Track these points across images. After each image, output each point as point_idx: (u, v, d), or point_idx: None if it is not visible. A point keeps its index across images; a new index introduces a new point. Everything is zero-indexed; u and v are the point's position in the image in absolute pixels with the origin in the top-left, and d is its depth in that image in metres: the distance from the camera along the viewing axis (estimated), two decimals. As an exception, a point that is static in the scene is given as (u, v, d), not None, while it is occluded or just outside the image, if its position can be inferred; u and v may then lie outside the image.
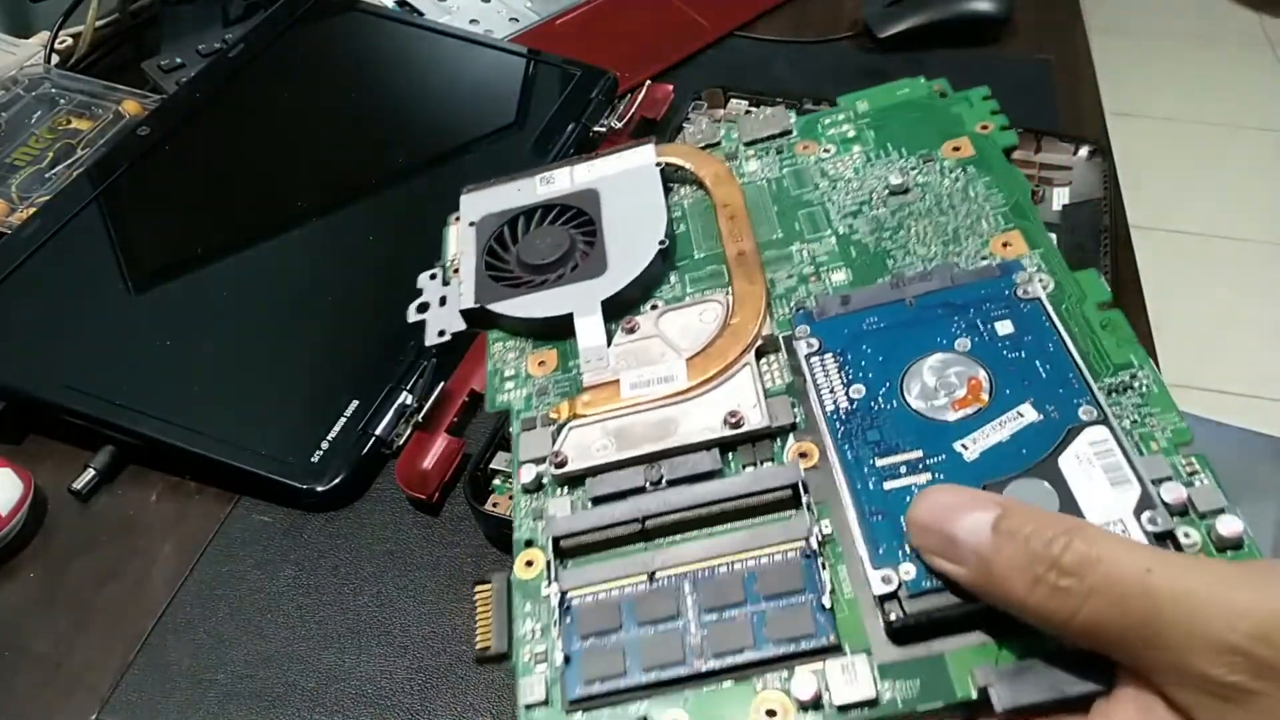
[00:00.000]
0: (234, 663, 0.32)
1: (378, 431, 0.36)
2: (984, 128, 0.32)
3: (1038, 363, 0.24)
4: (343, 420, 0.36)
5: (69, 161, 0.47)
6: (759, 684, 0.21)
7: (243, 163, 0.47)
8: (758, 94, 0.51)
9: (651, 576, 0.23)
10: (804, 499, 0.23)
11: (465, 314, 0.30)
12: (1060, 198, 0.46)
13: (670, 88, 0.53)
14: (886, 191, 0.30)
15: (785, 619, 0.21)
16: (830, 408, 0.24)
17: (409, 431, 0.37)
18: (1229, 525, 0.21)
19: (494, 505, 0.34)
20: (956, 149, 0.31)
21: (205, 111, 0.48)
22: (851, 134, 0.33)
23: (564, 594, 0.23)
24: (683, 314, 0.28)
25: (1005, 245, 0.28)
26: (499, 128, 0.49)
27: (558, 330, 0.29)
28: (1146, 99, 1.59)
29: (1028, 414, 0.23)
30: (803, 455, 0.24)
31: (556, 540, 0.24)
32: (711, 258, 0.30)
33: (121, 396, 0.36)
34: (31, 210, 0.44)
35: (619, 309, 0.29)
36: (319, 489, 0.35)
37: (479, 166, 0.47)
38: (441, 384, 0.38)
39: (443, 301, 0.30)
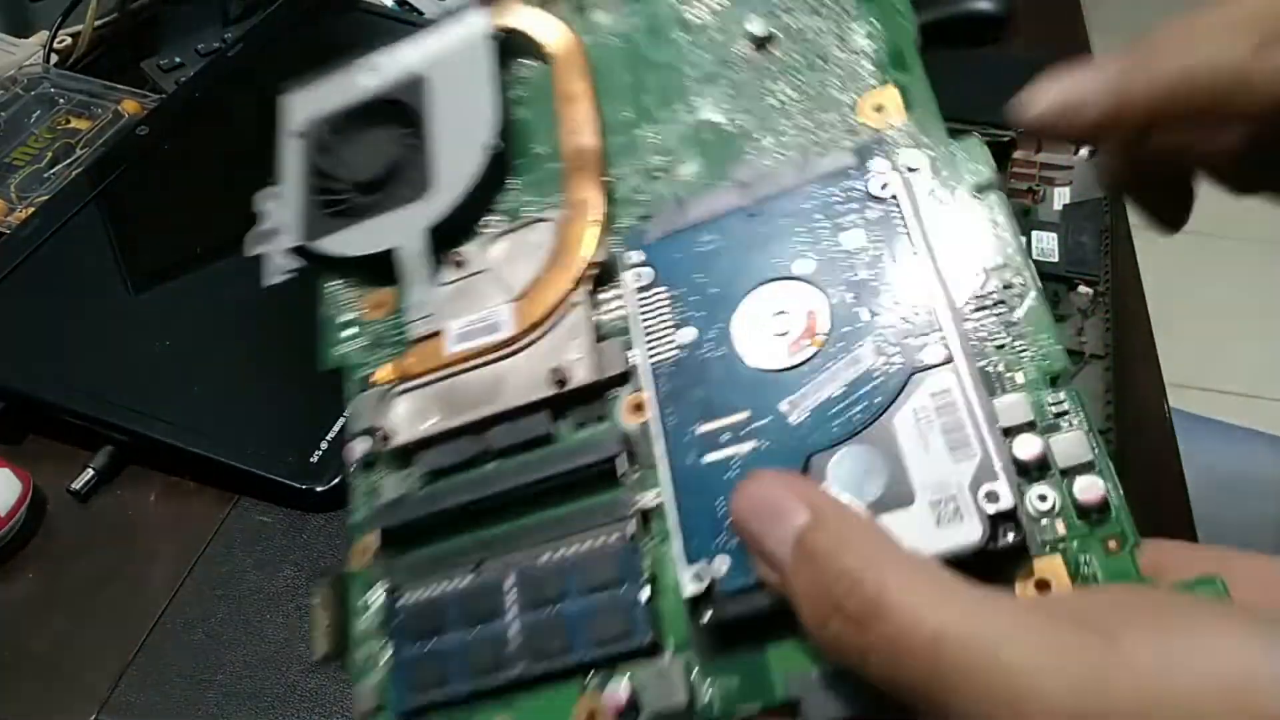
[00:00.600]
0: (233, 663, 0.31)
1: (377, 432, 0.36)
2: None
3: (884, 285, 0.19)
4: (342, 420, 0.36)
5: (68, 161, 0.47)
6: (581, 687, 0.19)
7: (242, 162, 0.47)
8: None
9: (478, 567, 0.20)
10: (622, 471, 0.20)
11: (299, 250, 0.25)
12: (1061, 198, 0.46)
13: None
14: (748, 44, 0.24)
15: (604, 617, 0.19)
16: (656, 359, 0.20)
17: (408, 432, 0.36)
18: (1089, 489, 0.17)
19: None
20: None
21: (204, 111, 0.48)
22: None
23: (393, 590, 0.21)
24: (512, 239, 0.23)
25: (878, 109, 0.22)
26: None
27: (385, 269, 0.24)
28: (1147, 98, 1.59)
29: (865, 358, 0.19)
30: (638, 409, 0.21)
31: (384, 529, 0.22)
32: (551, 155, 0.24)
33: (120, 396, 0.36)
34: (30, 210, 0.44)
35: (452, 236, 0.24)
36: (318, 489, 0.35)
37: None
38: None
39: (280, 243, 0.25)
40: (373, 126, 0.25)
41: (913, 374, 0.18)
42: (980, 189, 0.21)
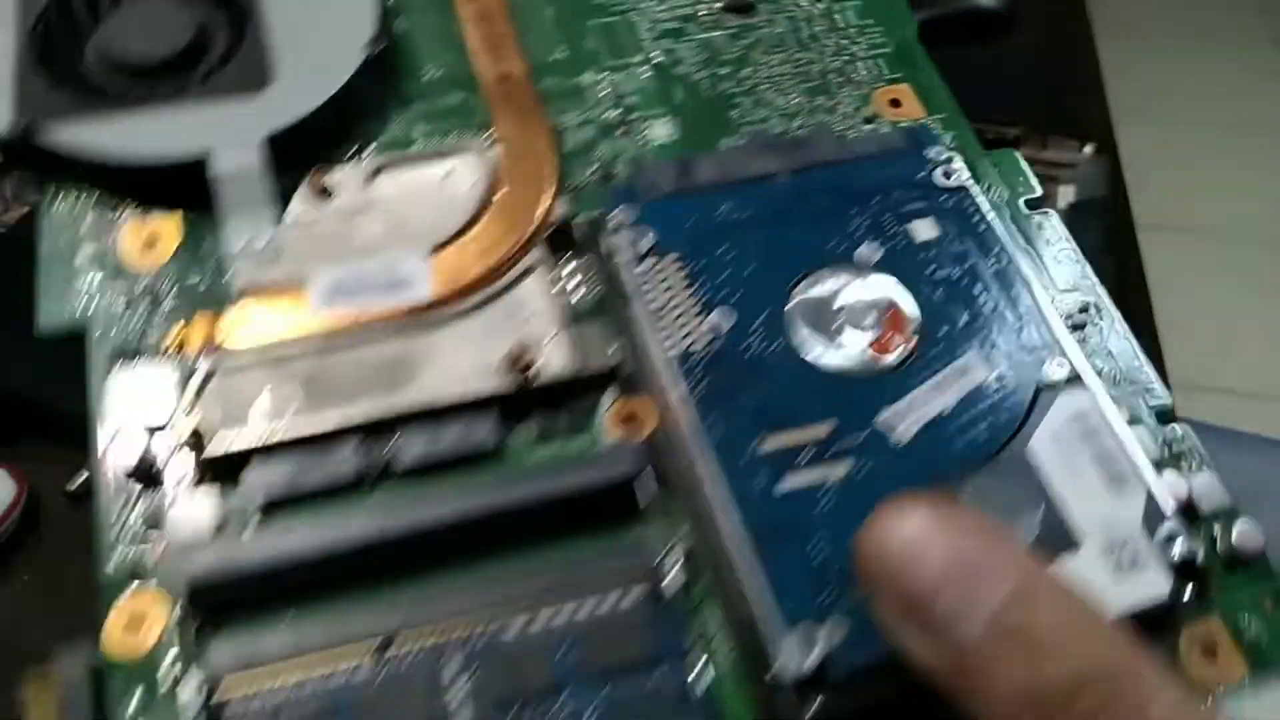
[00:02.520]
0: (228, 667, 0.31)
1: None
2: None
3: (976, 287, 0.16)
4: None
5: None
6: None
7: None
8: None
9: (384, 648, 0.13)
10: (645, 501, 0.15)
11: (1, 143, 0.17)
12: (1066, 196, 0.45)
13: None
14: (720, 5, 0.21)
15: (632, 715, 0.13)
16: (676, 349, 0.15)
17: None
18: (1248, 536, 0.15)
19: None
20: None
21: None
22: None
23: (211, 690, 0.13)
24: (413, 176, 0.18)
25: (893, 104, 0.20)
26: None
27: (175, 186, 0.17)
28: (1153, 97, 1.58)
29: (974, 369, 0.15)
30: (628, 421, 0.15)
31: (196, 590, 0.14)
32: (455, 80, 0.19)
33: (116, 397, 0.36)
34: (25, 209, 0.44)
35: (295, 157, 0.17)
36: None
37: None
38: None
39: None
40: None
41: (1039, 391, 0.15)
42: (1031, 205, 0.19)
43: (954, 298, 0.16)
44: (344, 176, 0.17)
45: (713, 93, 0.20)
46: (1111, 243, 0.41)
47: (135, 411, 0.15)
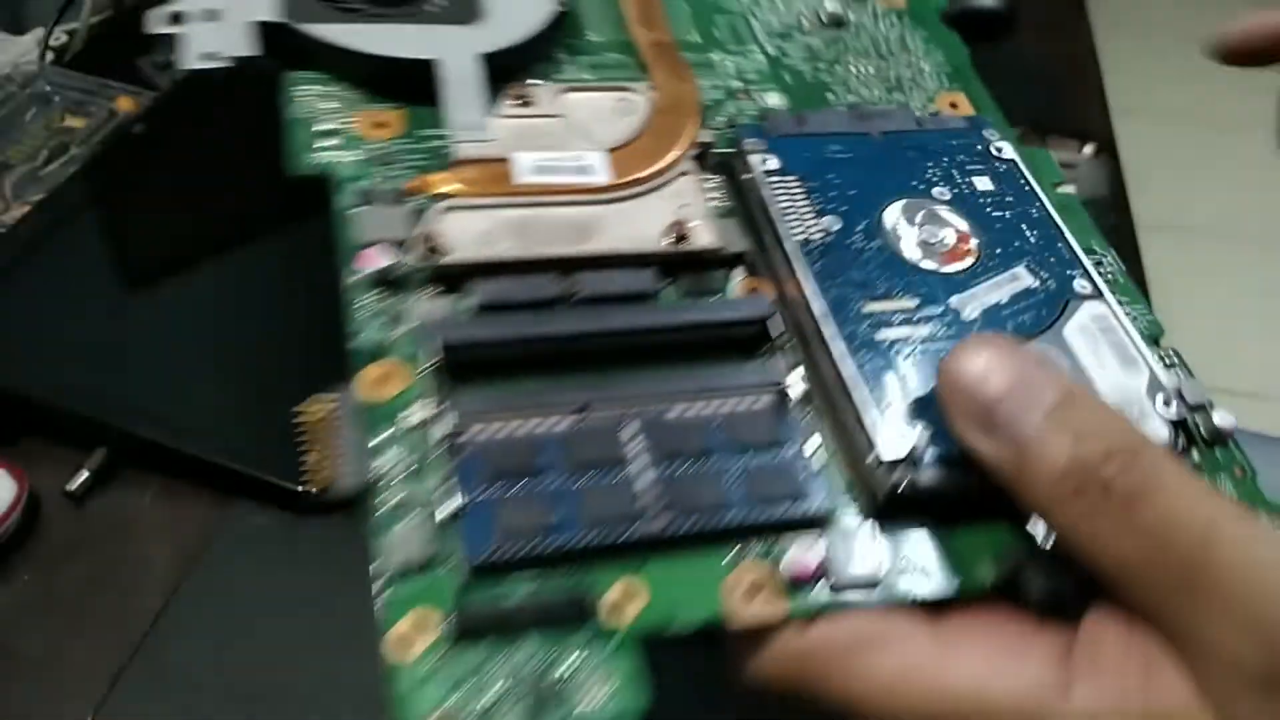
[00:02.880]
0: (229, 666, 0.31)
1: (375, 432, 0.36)
2: None
3: (1023, 227, 0.22)
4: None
5: (63, 159, 0.47)
6: (730, 554, 0.17)
7: (239, 160, 0.47)
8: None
9: (583, 410, 0.17)
10: (778, 337, 0.19)
11: (265, 31, 0.21)
12: (1065, 196, 0.45)
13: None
14: (819, 20, 0.27)
15: (765, 477, 0.17)
16: (799, 237, 0.20)
17: (406, 432, 0.36)
18: (1223, 418, 0.19)
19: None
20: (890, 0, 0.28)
21: (200, 109, 0.48)
22: None
23: (451, 429, 0.17)
24: (592, 98, 0.23)
25: (953, 105, 0.26)
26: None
27: (406, 81, 0.22)
28: (1153, 97, 1.58)
29: (1023, 278, 0.20)
30: (752, 292, 0.20)
31: (450, 348, 0.18)
32: (613, 45, 0.25)
33: (116, 397, 0.36)
34: (25, 208, 0.44)
35: (496, 75, 0.22)
36: (315, 491, 0.34)
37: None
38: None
39: (211, 17, 0.22)
40: None
41: (1068, 300, 0.20)
42: (1056, 185, 0.24)
43: (1005, 231, 0.22)
44: (540, 90, 0.23)
45: (814, 80, 0.26)
46: (1111, 242, 0.42)
47: (381, 232, 0.19)
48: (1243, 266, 1.30)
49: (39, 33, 0.54)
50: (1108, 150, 0.47)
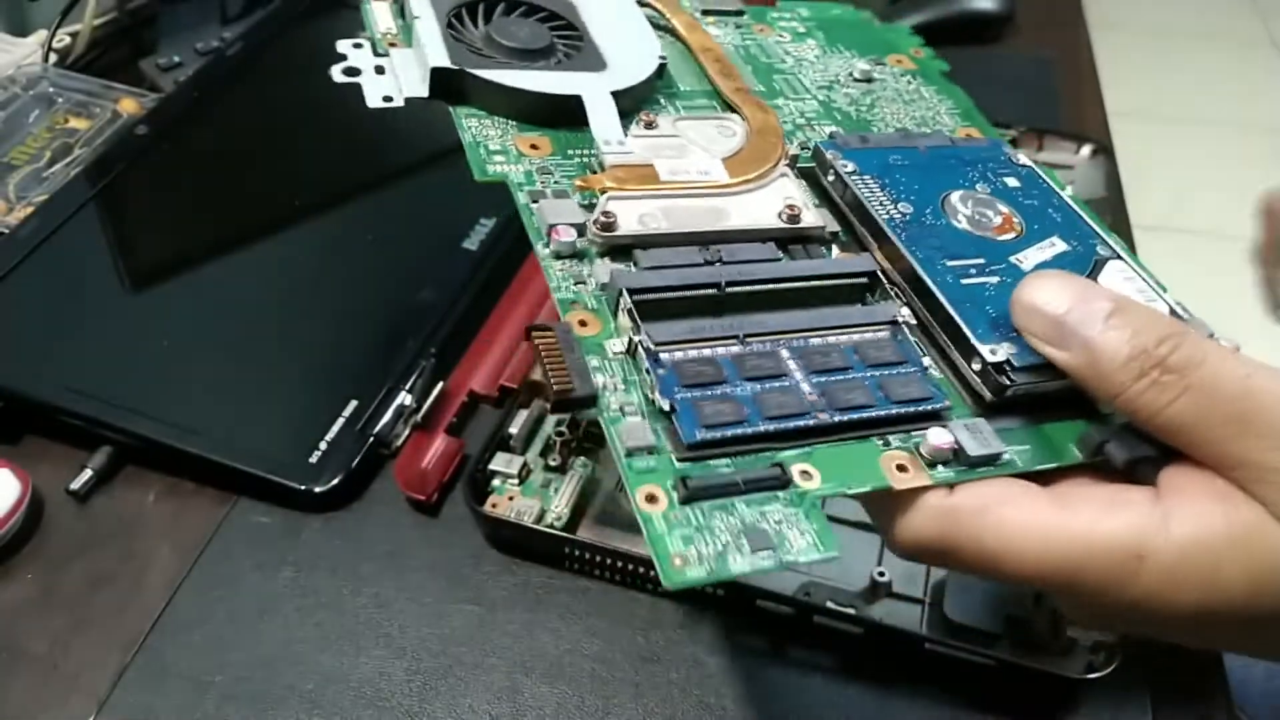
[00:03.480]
0: (232, 664, 0.31)
1: (376, 432, 0.36)
2: (917, 53, 0.36)
3: (1050, 211, 0.27)
4: (341, 420, 0.36)
5: (66, 161, 0.47)
6: (880, 442, 0.22)
7: (240, 162, 0.47)
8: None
9: (745, 339, 0.22)
10: (885, 285, 0.25)
11: (436, 74, 0.27)
12: (1063, 197, 0.46)
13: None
14: (852, 78, 0.33)
15: (897, 384, 0.22)
16: (885, 215, 0.26)
17: (407, 432, 0.36)
18: (1227, 342, 0.23)
19: (493, 506, 0.34)
20: (899, 61, 0.35)
21: (203, 110, 0.48)
22: (802, 30, 0.36)
23: (652, 347, 0.22)
24: (702, 124, 0.29)
25: (969, 135, 0.32)
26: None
27: (554, 112, 0.28)
28: (1149, 98, 1.59)
29: (1059, 244, 0.26)
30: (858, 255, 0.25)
31: (634, 291, 0.23)
32: (701, 93, 0.31)
33: (119, 397, 0.36)
34: (29, 210, 0.44)
35: (627, 109, 0.29)
36: (317, 490, 0.35)
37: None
38: (440, 384, 0.38)
39: (379, 71, 0.29)
40: (519, 16, 0.30)
41: (1096, 260, 0.26)
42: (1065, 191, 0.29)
43: (1038, 213, 0.27)
44: (661, 118, 0.29)
45: (858, 118, 0.32)
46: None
47: (561, 217, 0.24)
48: (1239, 268, 1.31)
49: (42, 35, 0.54)
50: (1105, 151, 0.47)
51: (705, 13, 0.35)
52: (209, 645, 0.32)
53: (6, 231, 0.42)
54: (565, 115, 0.28)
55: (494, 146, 0.27)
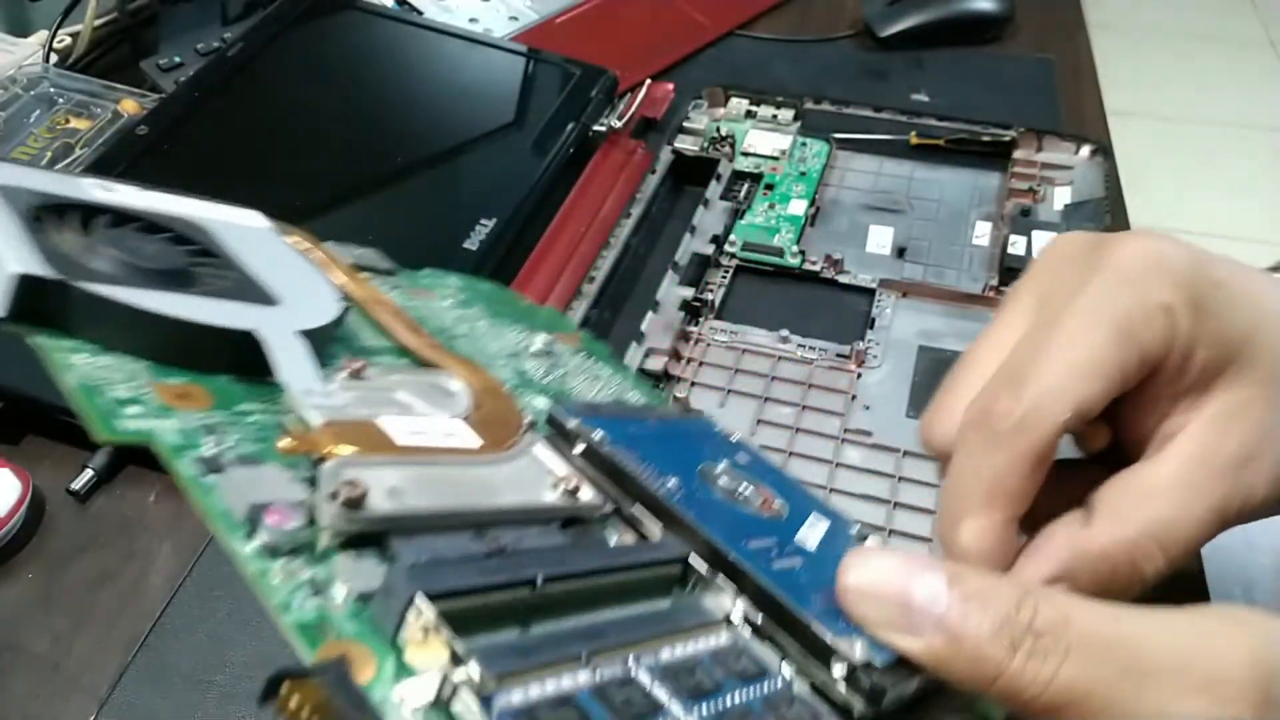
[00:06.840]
0: (233, 664, 0.31)
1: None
2: (575, 338, 0.31)
3: (781, 484, 0.24)
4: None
5: (67, 161, 0.47)
6: None
7: (241, 163, 0.47)
8: (759, 93, 0.51)
9: (585, 660, 0.16)
10: (706, 572, 0.20)
11: (26, 287, 0.18)
12: (1062, 197, 0.46)
13: (670, 87, 0.53)
14: (530, 352, 0.28)
15: (784, 705, 0.18)
16: (663, 492, 0.21)
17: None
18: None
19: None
20: (571, 339, 0.30)
21: (204, 111, 0.48)
22: (463, 297, 0.30)
23: (492, 681, 0.15)
24: (419, 376, 0.23)
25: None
26: (498, 127, 0.49)
27: (208, 353, 0.20)
28: (1148, 98, 1.59)
29: (822, 520, 0.23)
30: (642, 539, 0.21)
31: (435, 596, 0.16)
32: (387, 349, 0.25)
33: (119, 397, 0.36)
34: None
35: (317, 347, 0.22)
36: None
37: (479, 166, 0.47)
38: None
39: None
40: (139, 233, 0.22)
41: (857, 534, 0.24)
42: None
43: (779, 486, 0.24)
44: (371, 367, 0.22)
45: (560, 387, 0.28)
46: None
47: (267, 494, 0.17)
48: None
49: (43, 35, 0.54)
50: (1104, 152, 0.47)
51: (355, 268, 0.28)
52: (210, 644, 0.32)
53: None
54: (221, 358, 0.20)
55: (122, 394, 0.18)
